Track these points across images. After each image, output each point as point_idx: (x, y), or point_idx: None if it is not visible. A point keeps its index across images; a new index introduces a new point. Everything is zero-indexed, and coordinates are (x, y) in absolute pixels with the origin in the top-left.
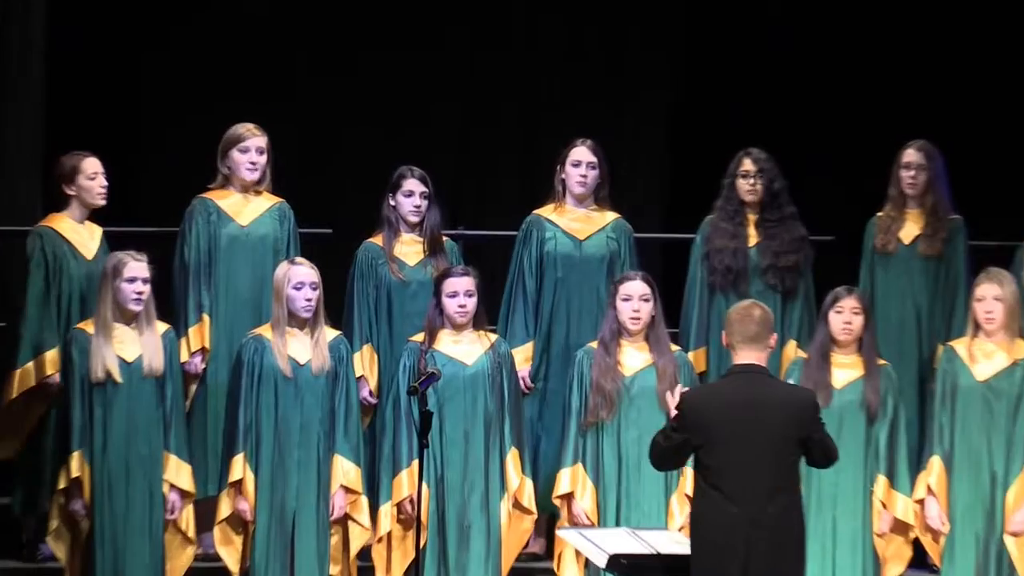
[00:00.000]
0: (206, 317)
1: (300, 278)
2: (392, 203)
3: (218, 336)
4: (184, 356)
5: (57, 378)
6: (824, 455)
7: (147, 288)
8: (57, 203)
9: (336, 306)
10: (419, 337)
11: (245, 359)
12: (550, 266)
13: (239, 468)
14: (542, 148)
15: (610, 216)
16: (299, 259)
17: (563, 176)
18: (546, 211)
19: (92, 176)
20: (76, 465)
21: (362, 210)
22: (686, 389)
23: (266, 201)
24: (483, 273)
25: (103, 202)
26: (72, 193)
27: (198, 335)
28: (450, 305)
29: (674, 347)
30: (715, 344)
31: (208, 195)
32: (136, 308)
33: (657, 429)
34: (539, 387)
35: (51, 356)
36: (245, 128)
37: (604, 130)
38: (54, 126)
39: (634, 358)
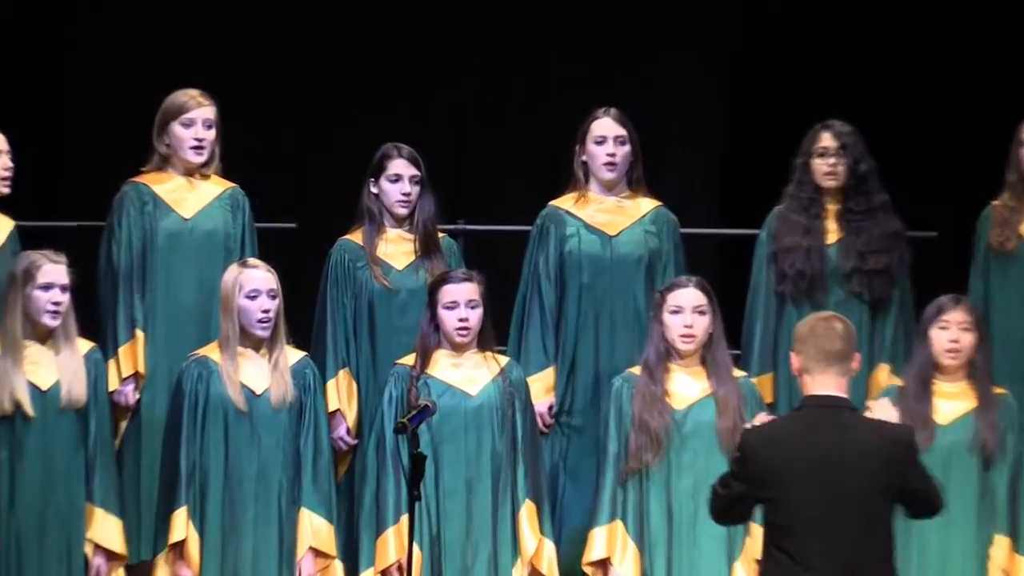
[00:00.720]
0: (140, 334)
1: (255, 285)
2: (374, 190)
3: (155, 358)
4: (113, 383)
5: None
6: (926, 504)
7: (66, 297)
8: None
9: (303, 321)
10: (409, 360)
11: (187, 388)
12: (573, 270)
13: (180, 525)
14: (561, 121)
15: (647, 205)
16: (253, 261)
17: (584, 157)
18: (566, 202)
19: None
20: None
21: (336, 200)
22: (751, 425)
23: (215, 187)
24: (490, 279)
25: (6, 190)
26: None
27: (130, 356)
28: (448, 319)
29: (737, 372)
30: (784, 368)
31: (142, 179)
32: (52, 322)
33: (718, 475)
34: (562, 424)
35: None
36: (188, 96)
37: (637, 101)
38: None
39: (687, 387)
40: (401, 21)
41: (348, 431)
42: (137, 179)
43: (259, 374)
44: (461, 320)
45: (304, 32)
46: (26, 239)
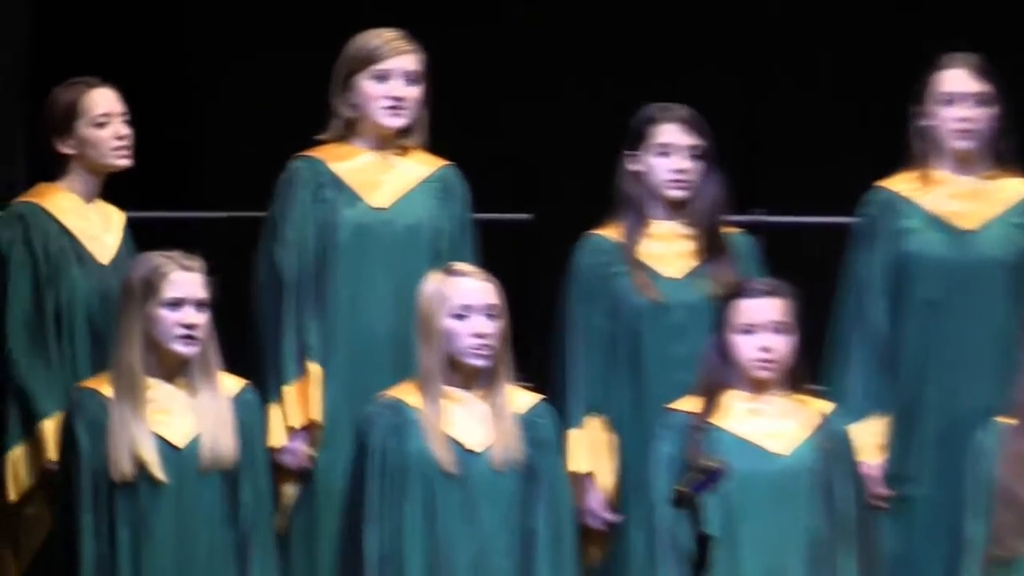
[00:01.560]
0: (314, 368)
1: (466, 299)
2: (635, 168)
3: (336, 402)
4: (276, 436)
5: None
6: None
7: (204, 317)
8: (49, 169)
9: (538, 349)
10: (689, 404)
11: (374, 443)
12: (917, 279)
13: None
14: (891, 74)
15: (1018, 188)
16: (463, 266)
17: (930, 121)
18: (902, 184)
19: (102, 119)
20: None
21: (583, 183)
22: None
23: (419, 165)
24: (801, 291)
25: (123, 162)
26: (70, 151)
27: (300, 399)
28: (744, 347)
29: None
30: None
31: (318, 153)
32: (186, 352)
33: None
34: (902, 494)
35: (52, 430)
36: (382, 38)
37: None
38: (43, 51)
39: None
40: None
41: (602, 502)
42: (311, 153)
43: (475, 423)
44: (764, 350)
45: None
46: (143, 235)
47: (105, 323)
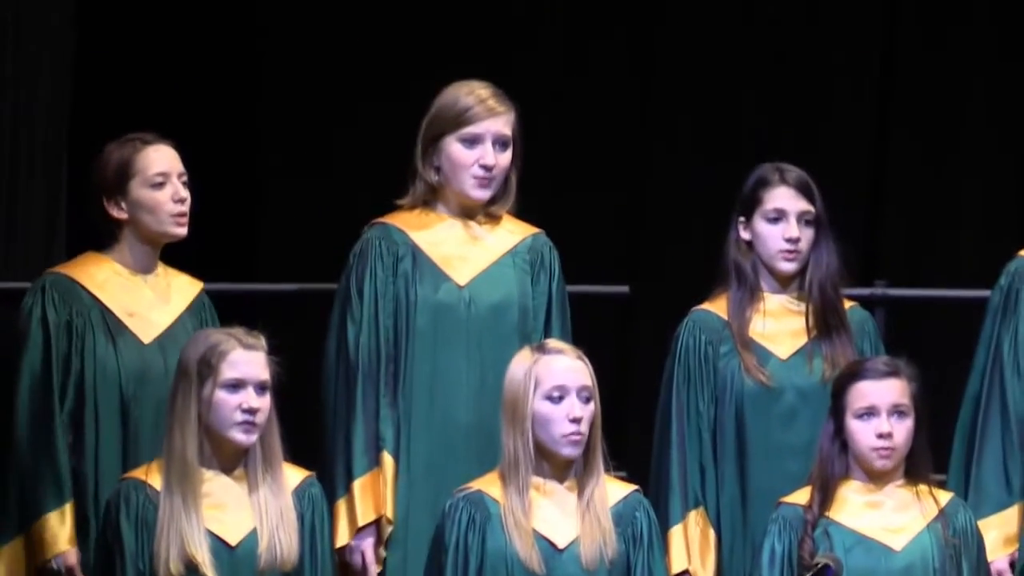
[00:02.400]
0: (388, 460)
1: (559, 380)
2: (745, 236)
3: (411, 497)
4: (343, 535)
5: (71, 559)
6: None
7: (266, 402)
8: (96, 235)
9: (639, 436)
10: (800, 496)
11: (452, 539)
12: None
13: None
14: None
15: None
16: (556, 343)
17: None
18: None
19: (159, 179)
20: None
21: (686, 253)
22: None
23: (507, 235)
24: (925, 373)
25: (180, 231)
26: (122, 215)
27: (371, 494)
28: (863, 435)
29: None
30: None
31: (396, 220)
32: (245, 440)
33: None
34: None
35: (55, 524)
36: (475, 96)
37: None
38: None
39: None
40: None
41: None
42: (388, 220)
43: (563, 517)
44: (882, 437)
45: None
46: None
47: (141, 407)
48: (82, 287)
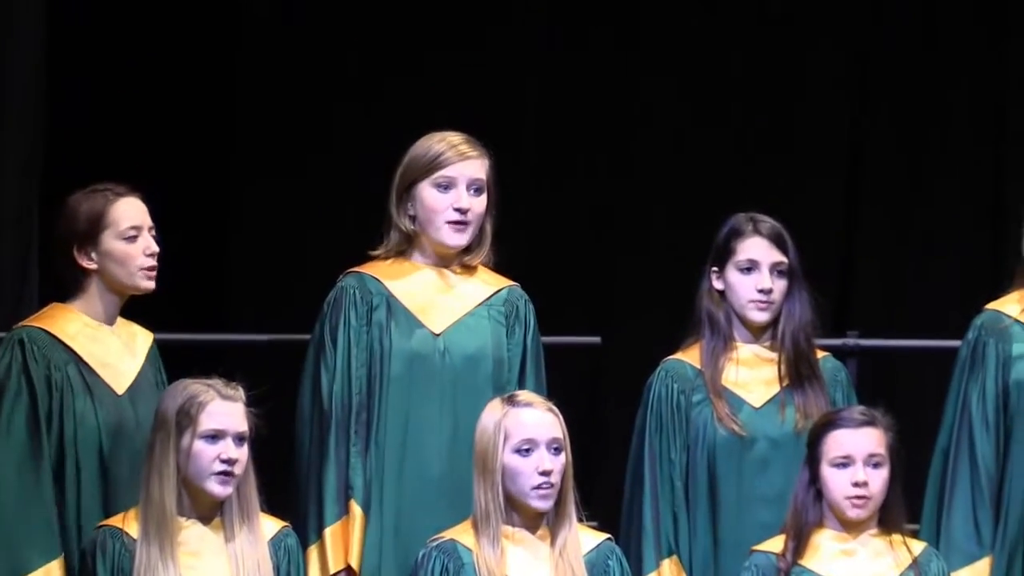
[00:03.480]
0: (357, 510)
1: (529, 433)
2: (718, 286)
3: (382, 546)
4: None
5: None
6: None
7: (244, 453)
8: (64, 287)
9: (607, 484)
10: (774, 545)
11: None
12: None
13: None
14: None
15: None
16: (527, 395)
17: None
18: (1013, 304)
19: (132, 233)
20: None
21: (658, 302)
22: None
23: (482, 285)
24: (898, 422)
25: (148, 284)
26: (91, 266)
27: (340, 542)
28: (839, 483)
29: None
30: None
31: (370, 269)
32: (222, 491)
33: None
34: None
35: None
36: (445, 140)
37: None
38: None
39: None
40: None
41: None
42: (364, 269)
43: (536, 566)
44: (857, 485)
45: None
46: (172, 359)
47: (118, 459)
48: (58, 340)
